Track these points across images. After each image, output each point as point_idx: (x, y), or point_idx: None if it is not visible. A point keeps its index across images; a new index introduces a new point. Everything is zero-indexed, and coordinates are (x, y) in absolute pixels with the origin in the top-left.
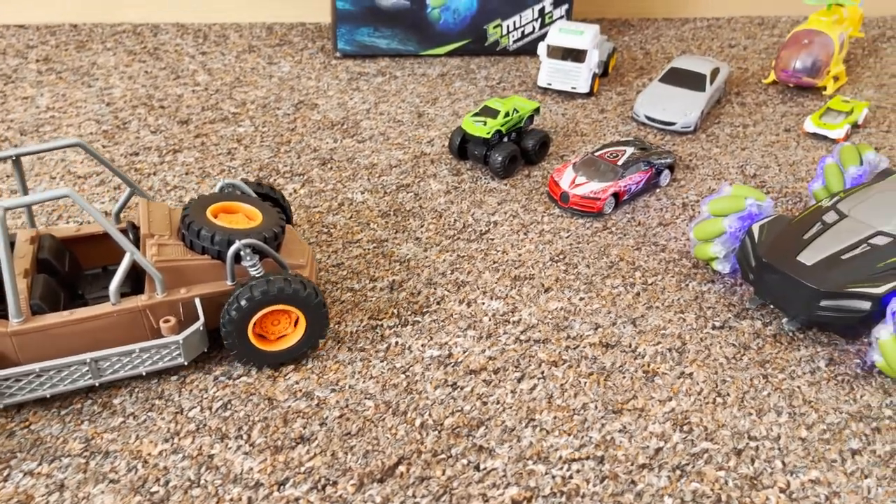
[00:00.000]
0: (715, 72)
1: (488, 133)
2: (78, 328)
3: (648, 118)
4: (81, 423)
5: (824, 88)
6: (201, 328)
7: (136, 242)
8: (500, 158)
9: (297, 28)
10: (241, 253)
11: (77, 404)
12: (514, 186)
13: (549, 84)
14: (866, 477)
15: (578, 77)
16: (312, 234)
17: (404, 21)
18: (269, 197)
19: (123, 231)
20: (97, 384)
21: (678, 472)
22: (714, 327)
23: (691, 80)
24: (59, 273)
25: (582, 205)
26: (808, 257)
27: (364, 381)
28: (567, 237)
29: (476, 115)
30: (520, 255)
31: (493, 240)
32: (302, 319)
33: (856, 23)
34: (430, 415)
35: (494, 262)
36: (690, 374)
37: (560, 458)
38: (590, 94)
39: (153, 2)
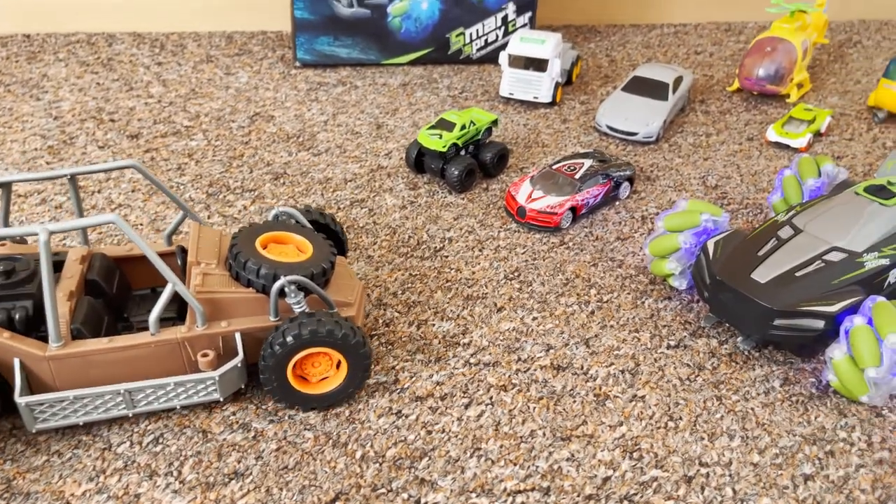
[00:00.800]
0: (678, 80)
1: (444, 147)
2: (116, 356)
3: (610, 128)
4: (4, 462)
5: (788, 96)
6: (239, 365)
7: (185, 266)
8: (456, 172)
9: (258, 37)
10: (286, 289)
11: (0, 442)
12: (472, 200)
13: (511, 94)
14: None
15: (540, 86)
16: None
17: (365, 30)
18: (325, 227)
19: (172, 254)
20: (131, 414)
21: (626, 502)
22: (669, 347)
23: (654, 89)
24: (106, 294)
25: (539, 219)
26: (762, 275)
27: (305, 411)
28: (523, 253)
29: (432, 127)
30: (473, 272)
31: (447, 257)
32: (343, 363)
33: (820, 29)
34: (371, 446)
35: (447, 281)
36: (643, 396)
37: (504, 489)
38: (552, 104)
39: (109, 11)
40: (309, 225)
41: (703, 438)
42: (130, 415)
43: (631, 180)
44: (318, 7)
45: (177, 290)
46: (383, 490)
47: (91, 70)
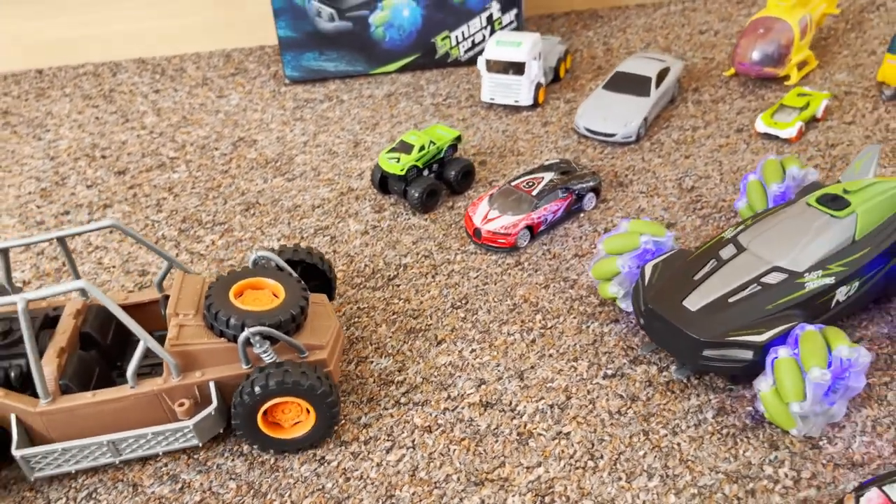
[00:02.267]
0: (663, 73)
1: (402, 170)
2: (100, 409)
3: (589, 130)
4: None
5: (787, 78)
6: (213, 412)
7: None
8: (416, 194)
9: (256, 53)
10: (251, 340)
11: None
12: (435, 221)
13: (493, 99)
14: None
15: (520, 90)
16: None
17: (349, 43)
18: (313, 266)
19: (157, 302)
20: (117, 462)
21: None
22: (605, 376)
23: (636, 85)
24: (100, 345)
25: (494, 240)
26: (694, 302)
27: (233, 459)
28: (475, 277)
29: (391, 150)
30: (421, 302)
31: (398, 286)
32: (312, 411)
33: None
34: (290, 496)
35: (393, 314)
36: (567, 433)
37: None
38: (535, 106)
39: (114, 39)
40: (287, 267)
41: (620, 479)
42: (117, 462)
43: (596, 191)
44: (299, 24)
45: (153, 345)
46: None
47: (92, 104)
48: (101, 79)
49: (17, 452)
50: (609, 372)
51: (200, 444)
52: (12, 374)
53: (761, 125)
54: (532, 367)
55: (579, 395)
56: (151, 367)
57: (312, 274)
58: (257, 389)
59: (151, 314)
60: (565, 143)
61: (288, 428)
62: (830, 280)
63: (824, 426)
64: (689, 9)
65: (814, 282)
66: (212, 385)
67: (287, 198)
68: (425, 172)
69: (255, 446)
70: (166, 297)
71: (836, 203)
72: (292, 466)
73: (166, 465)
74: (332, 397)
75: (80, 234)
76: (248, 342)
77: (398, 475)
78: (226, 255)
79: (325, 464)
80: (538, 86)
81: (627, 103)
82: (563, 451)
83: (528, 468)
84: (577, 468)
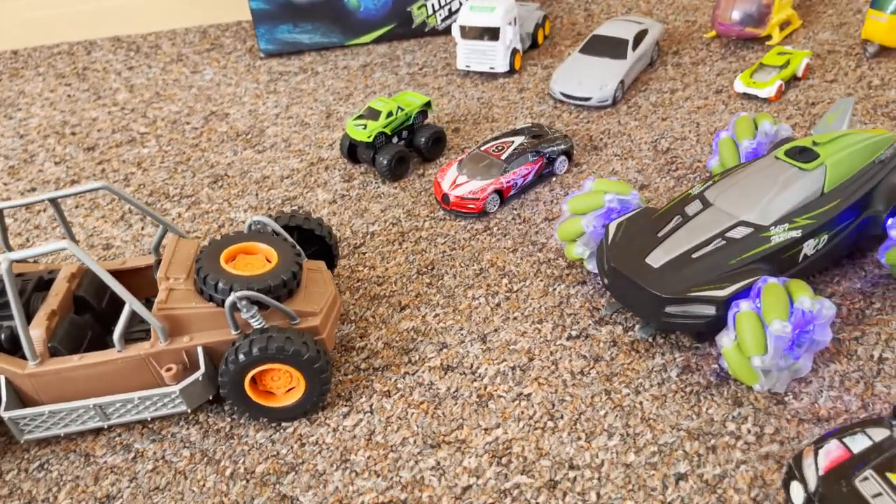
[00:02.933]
0: (640, 35)
1: (369, 136)
2: (88, 372)
3: (564, 95)
4: None
5: (769, 38)
6: (200, 378)
7: None
8: (385, 161)
9: (232, 28)
10: (238, 305)
11: None
12: (405, 189)
13: (468, 66)
14: None
15: (495, 56)
16: None
17: (323, 14)
18: (310, 232)
19: (152, 267)
20: (106, 426)
21: None
22: (569, 337)
23: (612, 48)
24: (94, 309)
25: (463, 206)
26: (657, 258)
27: (188, 428)
28: (443, 243)
29: (358, 117)
30: (387, 269)
31: (364, 254)
32: (301, 378)
33: None
34: (243, 462)
35: (358, 281)
36: (528, 395)
37: (362, 503)
38: (511, 72)
39: (90, 17)
40: (283, 232)
41: (580, 438)
42: (106, 426)
43: (568, 154)
44: None
45: (139, 309)
46: None
47: (65, 82)
48: (76, 57)
49: (4, 414)
50: (573, 333)
51: (189, 411)
52: (2, 336)
53: (740, 85)
54: (496, 330)
55: (542, 357)
56: (147, 332)
57: (312, 240)
58: (241, 356)
59: (148, 279)
60: (541, 108)
61: (280, 396)
62: (797, 233)
63: (790, 381)
64: None
65: (780, 235)
66: (200, 350)
67: (256, 169)
68: (395, 140)
69: (245, 415)
70: (158, 263)
71: (804, 155)
72: (248, 434)
73: (119, 434)
74: (320, 363)
75: (72, 195)
76: (234, 307)
77: (354, 440)
78: (192, 227)
79: (281, 430)
80: (514, 52)
81: (603, 66)
82: (522, 413)
83: (486, 430)
84: (536, 429)
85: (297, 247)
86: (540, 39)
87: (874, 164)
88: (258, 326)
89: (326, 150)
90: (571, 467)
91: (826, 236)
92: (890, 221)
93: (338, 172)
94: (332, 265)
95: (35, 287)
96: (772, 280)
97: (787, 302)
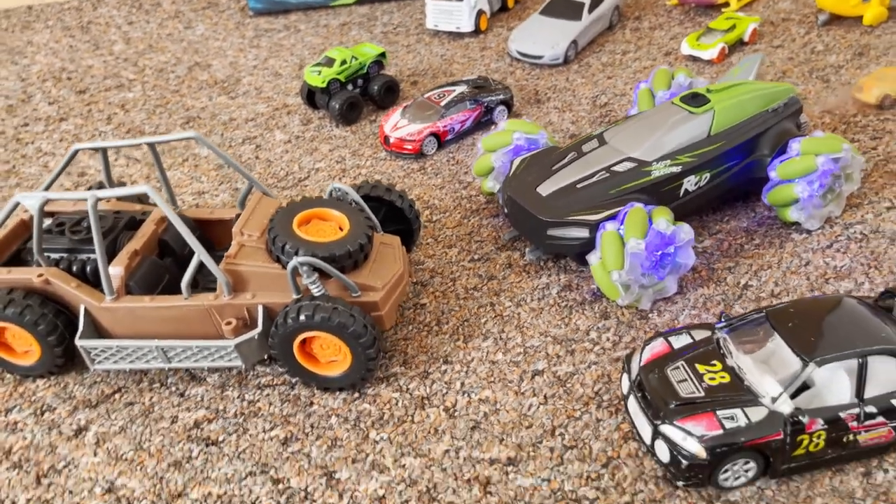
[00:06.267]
0: None
1: (323, 82)
2: (156, 314)
3: (520, 53)
4: None
5: (727, 5)
6: (256, 337)
7: None
8: (337, 106)
9: None
10: (299, 269)
11: None
12: (355, 132)
13: (436, 25)
14: (534, 395)
15: (461, 16)
16: None
17: None
18: (393, 207)
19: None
20: (167, 368)
21: (356, 393)
22: (472, 260)
23: (569, 10)
24: (176, 254)
25: (400, 147)
26: (546, 188)
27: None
28: (378, 179)
29: (316, 65)
30: None
31: (307, 186)
32: (348, 351)
33: None
34: None
35: None
36: (423, 304)
37: None
38: (477, 33)
39: None
40: (362, 202)
41: (458, 340)
42: (167, 368)
43: (508, 104)
44: None
45: (206, 260)
46: None
47: (69, 34)
48: (83, 12)
49: (79, 342)
50: (476, 257)
51: (244, 367)
52: (88, 269)
53: (686, 47)
54: (408, 252)
55: (443, 275)
56: None
57: (396, 216)
58: (289, 321)
59: (230, 231)
60: (497, 65)
61: (324, 364)
62: (677, 169)
63: (654, 299)
64: None
65: (660, 170)
66: (260, 309)
67: (226, 113)
68: (349, 87)
69: (294, 378)
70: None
71: (695, 101)
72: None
73: None
74: (366, 338)
75: (166, 142)
76: (296, 271)
77: None
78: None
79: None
80: (479, 13)
81: (558, 27)
82: (415, 317)
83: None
84: (423, 331)
85: (374, 219)
86: (510, 3)
87: (767, 112)
88: (317, 293)
89: (293, 97)
90: (445, 362)
91: (708, 174)
92: (772, 164)
93: (297, 117)
94: (410, 240)
95: (126, 225)
96: (637, 205)
97: (647, 224)
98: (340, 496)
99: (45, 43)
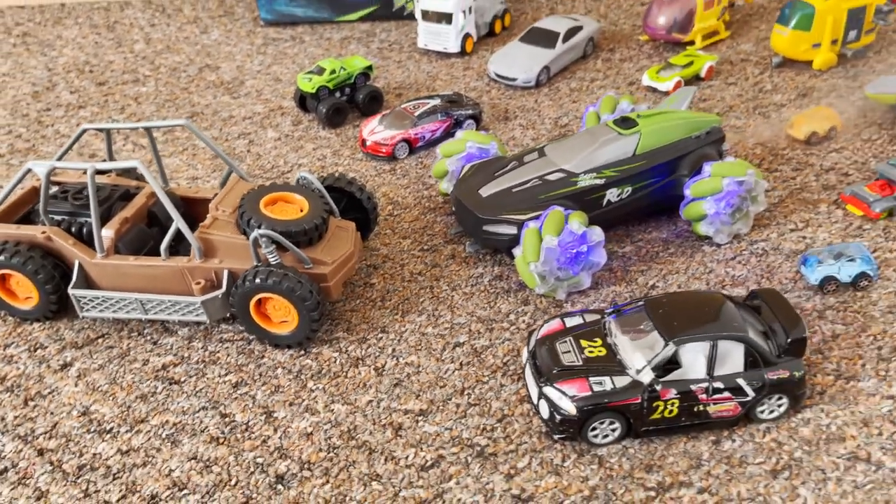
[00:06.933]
0: (573, 30)
1: (313, 88)
2: (138, 272)
3: (497, 75)
4: None
5: (692, 43)
6: (219, 296)
7: None
8: (323, 110)
9: None
10: (259, 240)
11: None
12: (339, 135)
13: (426, 45)
14: (452, 362)
15: (448, 38)
16: None
17: None
18: (353, 196)
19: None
20: (144, 318)
21: (301, 350)
22: (421, 250)
23: (544, 39)
24: (161, 224)
25: (375, 150)
26: (487, 190)
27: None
28: (352, 175)
29: (308, 73)
30: None
31: (288, 178)
32: (295, 314)
33: None
34: None
35: None
36: (372, 284)
37: None
38: (463, 54)
39: None
40: (323, 190)
41: (397, 314)
42: (144, 318)
43: (476, 118)
44: None
45: (182, 228)
46: None
47: (96, 31)
48: (110, 13)
49: (72, 291)
50: (425, 247)
51: (209, 322)
52: (84, 231)
53: (646, 79)
54: (368, 241)
55: (394, 261)
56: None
57: (356, 206)
58: (246, 283)
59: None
60: (476, 84)
61: (277, 323)
62: (601, 181)
63: (569, 291)
64: None
65: (586, 181)
66: (225, 273)
67: (226, 110)
68: (337, 94)
69: (250, 334)
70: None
71: (626, 124)
72: None
73: None
74: (310, 302)
75: (157, 127)
76: (256, 242)
77: None
78: (162, 148)
79: None
80: (466, 36)
81: (533, 54)
82: (362, 294)
83: (331, 303)
84: (367, 306)
85: (332, 205)
86: (498, 29)
87: (690, 138)
88: (273, 262)
89: (288, 101)
90: (383, 331)
91: (630, 188)
92: (688, 184)
93: (290, 118)
94: (367, 227)
95: (120, 197)
96: (557, 208)
97: (563, 225)
98: (275, 430)
99: (73, 38)
